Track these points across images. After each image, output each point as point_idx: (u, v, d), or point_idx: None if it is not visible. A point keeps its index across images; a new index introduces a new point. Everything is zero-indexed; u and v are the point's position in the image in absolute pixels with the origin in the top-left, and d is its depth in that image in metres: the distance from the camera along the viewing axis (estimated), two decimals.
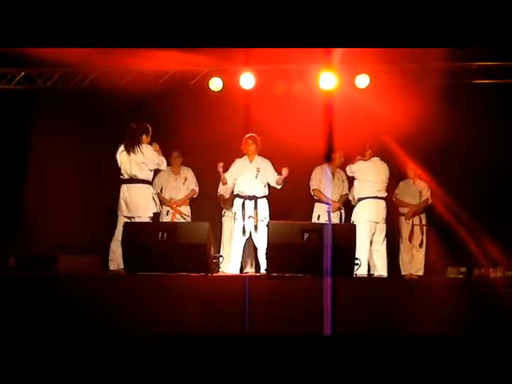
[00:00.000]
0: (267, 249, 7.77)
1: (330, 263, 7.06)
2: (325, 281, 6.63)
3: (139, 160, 8.69)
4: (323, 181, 9.92)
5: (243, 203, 9.32)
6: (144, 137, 8.75)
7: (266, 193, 9.44)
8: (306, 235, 7.59)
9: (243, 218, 9.27)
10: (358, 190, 9.51)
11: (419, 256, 9.90)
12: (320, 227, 7.70)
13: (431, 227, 9.90)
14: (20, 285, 6.97)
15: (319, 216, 9.92)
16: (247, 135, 9.45)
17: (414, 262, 9.91)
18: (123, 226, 8.04)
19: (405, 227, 9.97)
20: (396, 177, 10.00)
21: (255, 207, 9.29)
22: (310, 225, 8.53)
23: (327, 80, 9.94)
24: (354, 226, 8.24)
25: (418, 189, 10.01)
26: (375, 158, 9.47)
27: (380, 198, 9.38)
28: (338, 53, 9.38)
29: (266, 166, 9.42)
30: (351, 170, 9.58)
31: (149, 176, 8.81)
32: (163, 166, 8.96)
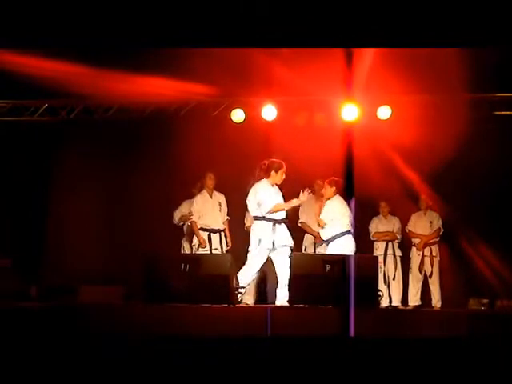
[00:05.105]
0: (290, 280, 7.77)
1: (353, 294, 7.06)
2: (347, 311, 6.64)
3: None
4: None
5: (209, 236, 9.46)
6: (273, 173, 8.55)
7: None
8: (328, 266, 7.60)
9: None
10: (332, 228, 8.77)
11: (435, 288, 9.93)
12: (341, 259, 7.70)
13: (451, 257, 9.87)
14: (42, 315, 7.01)
15: (306, 247, 9.81)
16: (209, 171, 9.61)
17: (432, 295, 9.93)
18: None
19: (415, 258, 10.05)
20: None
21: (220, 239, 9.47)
22: (331, 256, 8.50)
23: (349, 111, 9.94)
24: (377, 257, 8.22)
25: (430, 219, 10.06)
26: (337, 195, 8.90)
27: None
28: (359, 83, 9.39)
29: (223, 200, 9.63)
30: (330, 215, 8.77)
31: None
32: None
